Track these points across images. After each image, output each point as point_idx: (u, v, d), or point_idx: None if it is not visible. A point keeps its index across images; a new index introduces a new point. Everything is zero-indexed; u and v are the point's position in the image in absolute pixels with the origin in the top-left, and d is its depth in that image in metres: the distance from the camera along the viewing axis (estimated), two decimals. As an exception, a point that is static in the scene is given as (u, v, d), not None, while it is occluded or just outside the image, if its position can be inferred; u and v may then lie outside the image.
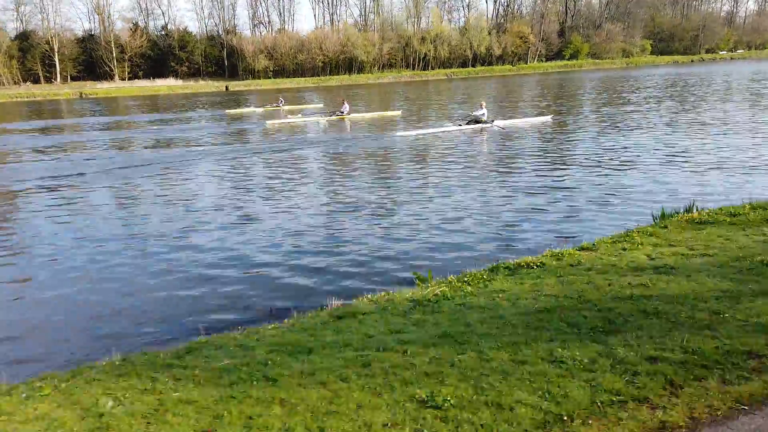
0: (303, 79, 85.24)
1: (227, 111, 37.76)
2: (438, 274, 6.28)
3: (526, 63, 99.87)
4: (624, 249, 6.39)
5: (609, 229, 8.23)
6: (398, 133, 20.92)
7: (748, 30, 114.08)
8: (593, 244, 6.70)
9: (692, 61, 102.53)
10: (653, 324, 4.24)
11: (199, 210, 11.03)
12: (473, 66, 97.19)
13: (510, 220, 9.27)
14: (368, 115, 29.29)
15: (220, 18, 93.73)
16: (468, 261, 7.29)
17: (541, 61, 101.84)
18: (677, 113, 23.78)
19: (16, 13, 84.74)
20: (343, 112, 28.17)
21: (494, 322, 4.48)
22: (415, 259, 7.58)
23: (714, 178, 11.46)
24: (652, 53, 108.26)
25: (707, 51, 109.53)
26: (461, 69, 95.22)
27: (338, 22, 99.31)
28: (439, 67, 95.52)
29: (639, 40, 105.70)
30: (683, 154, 14.25)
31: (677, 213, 7.88)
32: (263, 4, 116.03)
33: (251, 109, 38.97)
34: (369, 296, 5.56)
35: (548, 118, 23.60)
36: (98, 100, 66.11)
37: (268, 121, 27.93)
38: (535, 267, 6.00)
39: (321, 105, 38.54)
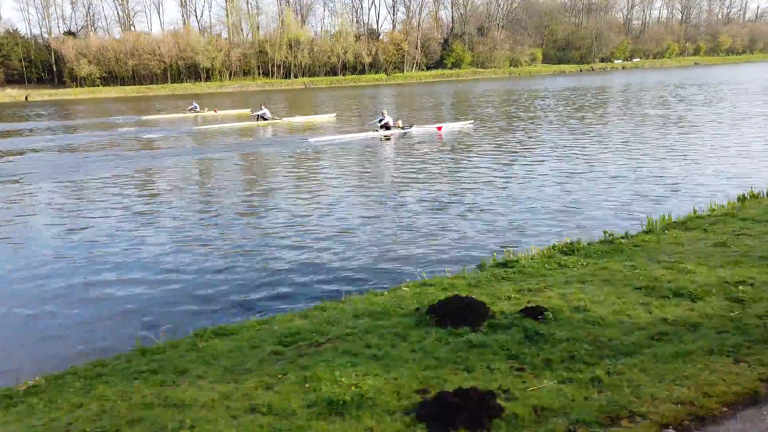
0: (129, 87, 76.37)
1: (143, 117, 35.29)
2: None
3: (402, 72, 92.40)
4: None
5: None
6: (310, 139, 20.88)
7: (646, 38, 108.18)
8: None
9: (581, 70, 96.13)
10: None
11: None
12: (343, 74, 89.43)
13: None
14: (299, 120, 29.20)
15: (44, 17, 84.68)
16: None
17: (421, 69, 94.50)
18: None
19: None
20: (266, 118, 28.21)
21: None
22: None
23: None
24: (547, 62, 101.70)
25: (602, 60, 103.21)
26: (325, 77, 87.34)
27: (199, 25, 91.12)
28: (302, 75, 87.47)
29: (528, 49, 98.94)
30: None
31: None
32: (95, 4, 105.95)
33: (164, 115, 36.76)
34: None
35: (469, 123, 23.69)
36: None
37: (194, 127, 28.54)
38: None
39: (249, 110, 35.16)
